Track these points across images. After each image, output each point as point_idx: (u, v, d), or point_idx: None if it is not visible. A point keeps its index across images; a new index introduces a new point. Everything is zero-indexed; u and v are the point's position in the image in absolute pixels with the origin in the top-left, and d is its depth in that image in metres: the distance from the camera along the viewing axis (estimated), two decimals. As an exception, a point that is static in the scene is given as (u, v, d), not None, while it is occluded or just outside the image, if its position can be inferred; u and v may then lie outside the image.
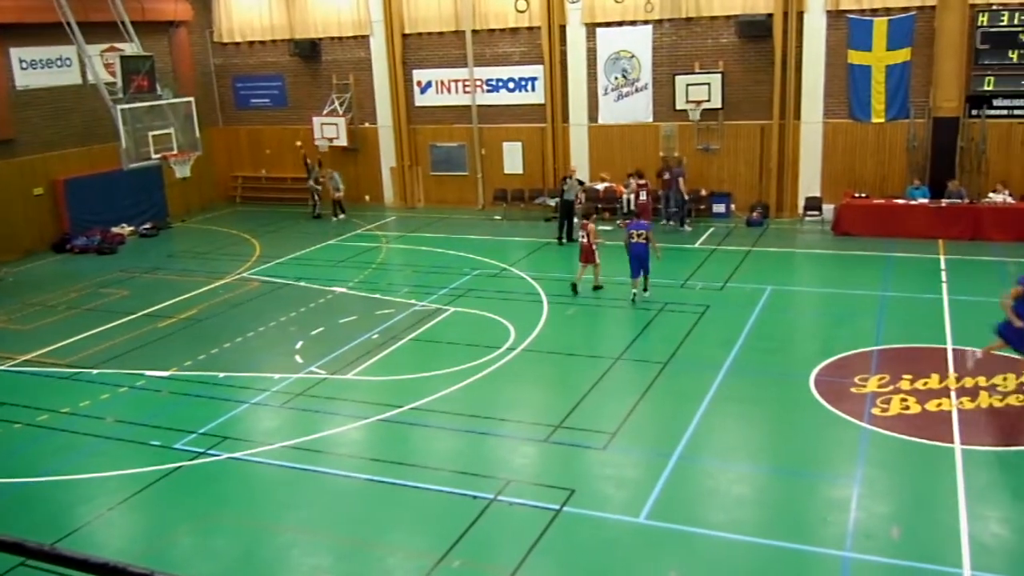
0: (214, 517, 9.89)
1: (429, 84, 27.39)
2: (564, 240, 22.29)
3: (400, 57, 27.31)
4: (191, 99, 23.58)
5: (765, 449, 11.15)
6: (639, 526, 9.24)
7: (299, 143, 27.75)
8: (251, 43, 29.49)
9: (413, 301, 17.62)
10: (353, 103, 28.21)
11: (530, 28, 25.68)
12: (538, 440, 11.35)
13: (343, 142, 27.81)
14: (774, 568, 8.50)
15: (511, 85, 26.40)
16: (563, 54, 25.52)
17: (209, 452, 11.40)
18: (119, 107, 20.81)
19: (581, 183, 23.16)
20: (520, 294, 17.90)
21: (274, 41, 29.10)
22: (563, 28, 25.37)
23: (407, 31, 27.21)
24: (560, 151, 26.12)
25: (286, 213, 27.88)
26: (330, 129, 27.77)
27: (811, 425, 11.50)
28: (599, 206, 24.81)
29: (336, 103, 28.13)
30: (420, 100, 27.63)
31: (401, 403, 12.56)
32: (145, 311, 17.87)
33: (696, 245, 21.35)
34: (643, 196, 22.49)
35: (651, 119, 24.92)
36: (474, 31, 26.20)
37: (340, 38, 28.12)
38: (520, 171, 26.76)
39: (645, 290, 17.00)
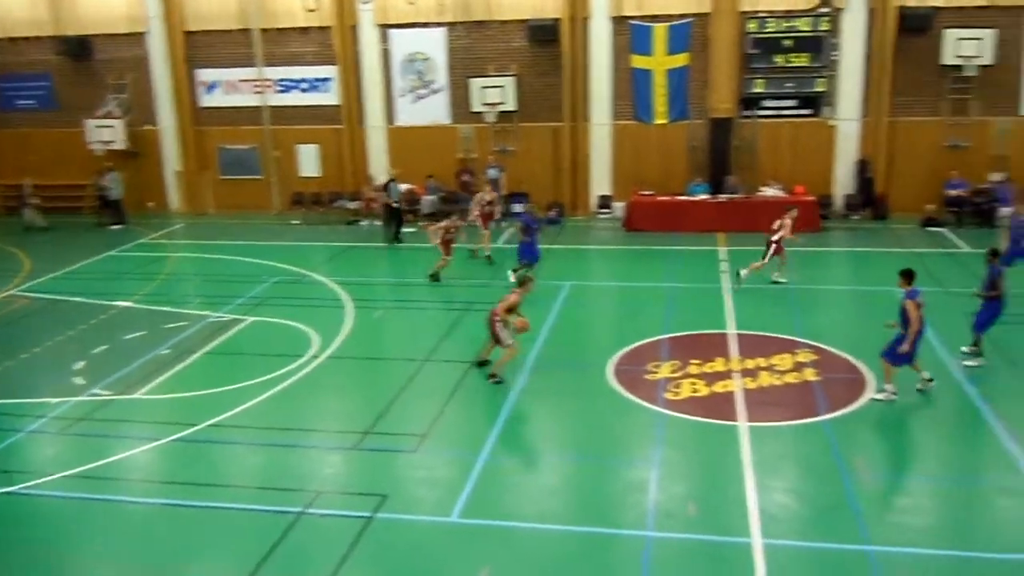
0: (-13, 561, 8.92)
1: (215, 84, 26.20)
2: (396, 240, 22.26)
3: (182, 56, 25.94)
4: (-59, 100, 21.30)
5: (569, 439, 11.48)
6: (452, 525, 9.23)
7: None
8: (12, 39, 26.97)
9: (207, 312, 16.75)
10: (131, 104, 26.46)
11: (321, 28, 25.16)
12: (347, 448, 11.10)
13: (121, 146, 26.04)
14: (583, 553, 8.75)
15: (304, 86, 25.75)
16: (357, 55, 25.19)
17: (-22, 489, 10.28)
18: None
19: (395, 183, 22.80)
20: (322, 300, 17.46)
21: (38, 37, 26.76)
22: (355, 28, 25.03)
23: (189, 28, 25.89)
24: (359, 153, 25.78)
25: (60, 224, 25.69)
26: (106, 132, 25.91)
27: (611, 413, 11.97)
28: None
29: (112, 104, 26.28)
30: (206, 101, 26.39)
31: (198, 421, 11.88)
32: None
33: (498, 244, 21.68)
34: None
35: (449, 121, 25.10)
36: (262, 29, 25.30)
37: (113, 35, 26.30)
38: (317, 174, 26.14)
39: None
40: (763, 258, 17.41)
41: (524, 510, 9.56)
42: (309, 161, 26.15)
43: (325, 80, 25.56)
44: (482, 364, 13.27)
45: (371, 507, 9.52)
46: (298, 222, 25.37)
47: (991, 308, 12.99)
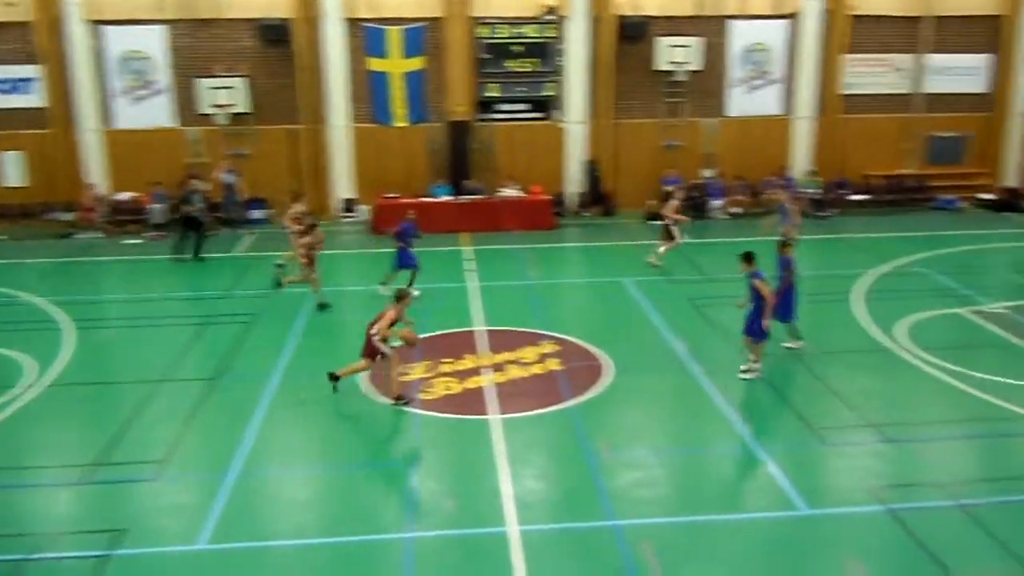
0: None
1: None
2: (196, 256, 20.07)
3: None
4: None
5: (324, 448, 11.18)
6: (201, 553, 8.65)
7: None
8: None
9: None
10: None
11: (21, 23, 22.71)
12: (75, 483, 10.06)
13: None
14: (344, 563, 8.55)
15: (4, 87, 23.14)
16: (64, 53, 23.04)
17: None
18: None
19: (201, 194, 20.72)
20: (36, 323, 15.77)
21: None
22: (61, 24, 22.89)
23: None
24: (71, 160, 23.60)
25: None
26: None
27: (366, 418, 11.82)
28: (121, 218, 23.11)
29: None
30: None
31: None
32: None
33: (238, 253, 20.72)
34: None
35: (174, 124, 23.64)
36: (-52, 23, 22.45)
37: None
38: (23, 183, 23.60)
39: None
40: (675, 238, 18.79)
41: (279, 527, 9.17)
42: (12, 169, 23.52)
43: (27, 80, 23.11)
44: (334, 378, 12.30)
45: (107, 544, 8.70)
46: (4, 237, 22.77)
47: (786, 294, 13.75)
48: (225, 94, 22.88)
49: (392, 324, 11.94)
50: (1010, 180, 26.05)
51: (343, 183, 24.40)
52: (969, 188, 25.81)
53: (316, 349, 14.41)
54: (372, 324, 12.01)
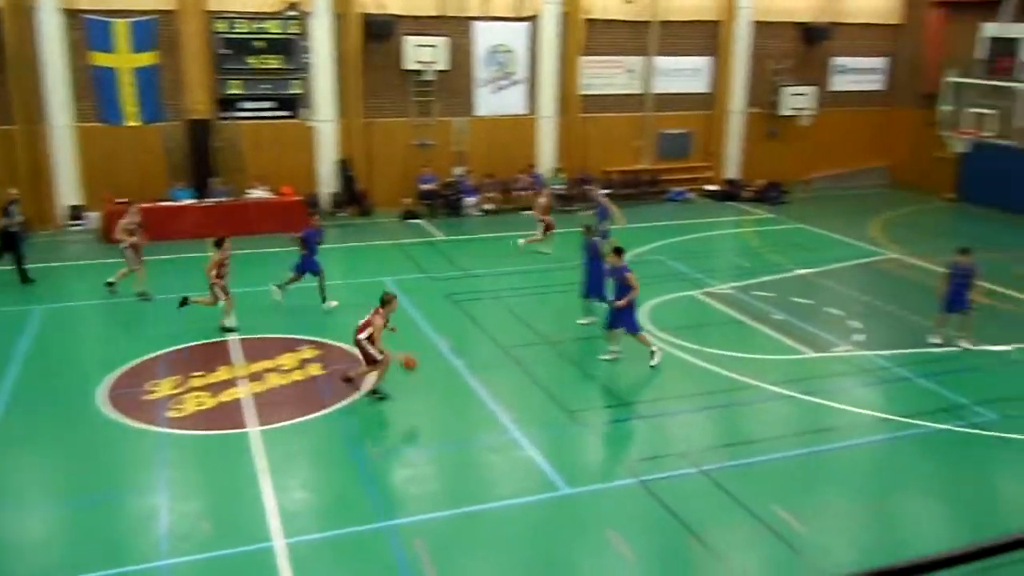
0: None
1: None
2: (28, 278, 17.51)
3: None
4: None
5: (62, 481, 10.12)
6: (-89, 615, 7.56)
7: None
8: None
9: None
10: None
11: None
12: None
13: None
14: (89, 605, 7.80)
15: None
16: None
17: None
18: None
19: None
20: None
21: None
22: None
23: None
24: None
25: None
26: None
27: (107, 443, 10.86)
28: None
29: None
30: None
31: None
32: None
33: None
34: None
35: None
36: None
37: None
38: None
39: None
40: (550, 228, 20.07)
41: (14, 573, 8.19)
42: None
43: None
44: (374, 394, 12.13)
45: None
46: None
47: (595, 274, 14.88)
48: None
49: (382, 328, 11.92)
50: (730, 172, 28.70)
51: (68, 188, 22.25)
52: (696, 180, 28.16)
53: (45, 372, 13.03)
54: (360, 330, 11.95)
